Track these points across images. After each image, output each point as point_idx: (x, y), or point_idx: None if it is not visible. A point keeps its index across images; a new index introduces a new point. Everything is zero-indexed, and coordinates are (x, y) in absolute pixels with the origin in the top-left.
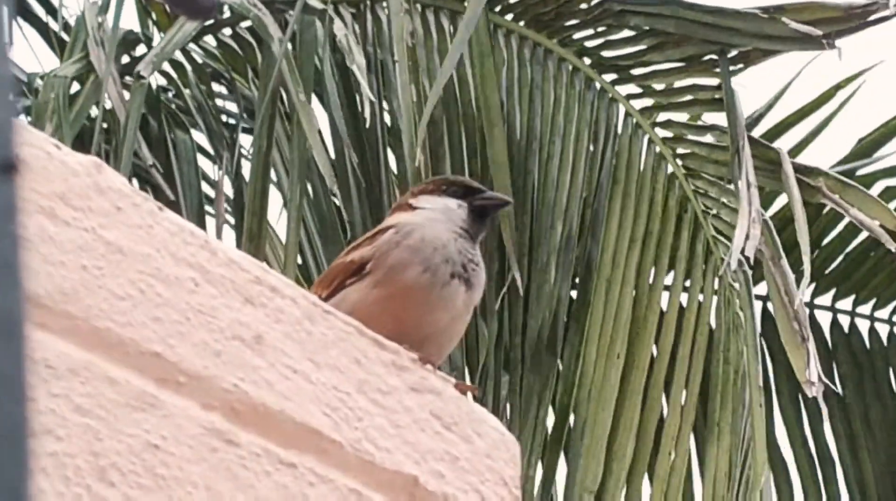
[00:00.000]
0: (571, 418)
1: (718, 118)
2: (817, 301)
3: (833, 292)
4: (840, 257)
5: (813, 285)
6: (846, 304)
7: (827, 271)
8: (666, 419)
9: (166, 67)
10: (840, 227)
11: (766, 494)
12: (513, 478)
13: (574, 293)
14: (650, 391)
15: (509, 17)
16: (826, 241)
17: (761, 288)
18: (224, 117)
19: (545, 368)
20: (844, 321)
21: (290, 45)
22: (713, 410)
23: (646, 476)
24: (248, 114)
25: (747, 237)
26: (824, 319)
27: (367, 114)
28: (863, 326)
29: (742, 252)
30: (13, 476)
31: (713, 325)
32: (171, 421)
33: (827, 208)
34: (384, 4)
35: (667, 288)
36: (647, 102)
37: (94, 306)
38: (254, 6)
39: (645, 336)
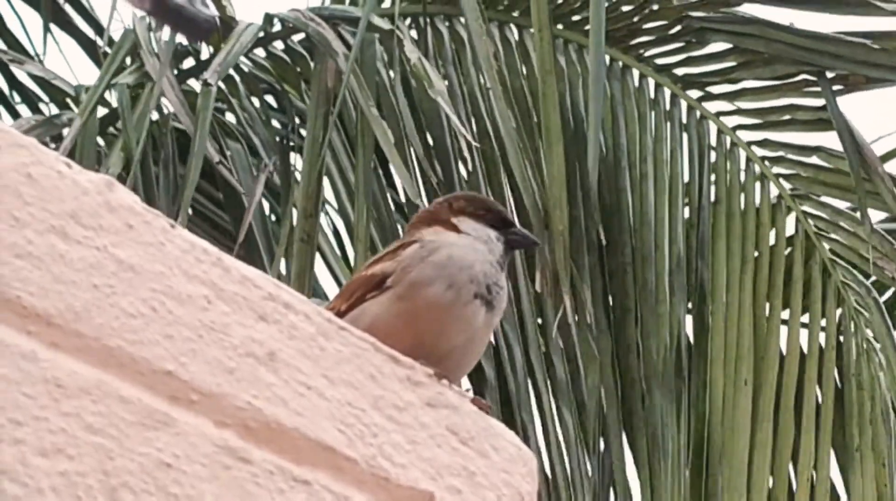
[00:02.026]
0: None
1: (821, 139)
2: None
3: None
4: None
5: None
6: None
7: None
8: (801, 447)
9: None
10: None
11: None
12: (530, 494)
13: (690, 316)
14: (781, 416)
15: (578, 31)
16: None
17: None
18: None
19: (674, 393)
20: None
21: (349, 54)
22: (851, 435)
23: None
24: (300, 124)
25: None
26: None
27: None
28: None
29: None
30: None
31: (840, 346)
32: (183, 439)
33: None
34: (442, 17)
35: (785, 308)
36: (740, 120)
37: (105, 325)
38: (311, 20)
39: (769, 361)
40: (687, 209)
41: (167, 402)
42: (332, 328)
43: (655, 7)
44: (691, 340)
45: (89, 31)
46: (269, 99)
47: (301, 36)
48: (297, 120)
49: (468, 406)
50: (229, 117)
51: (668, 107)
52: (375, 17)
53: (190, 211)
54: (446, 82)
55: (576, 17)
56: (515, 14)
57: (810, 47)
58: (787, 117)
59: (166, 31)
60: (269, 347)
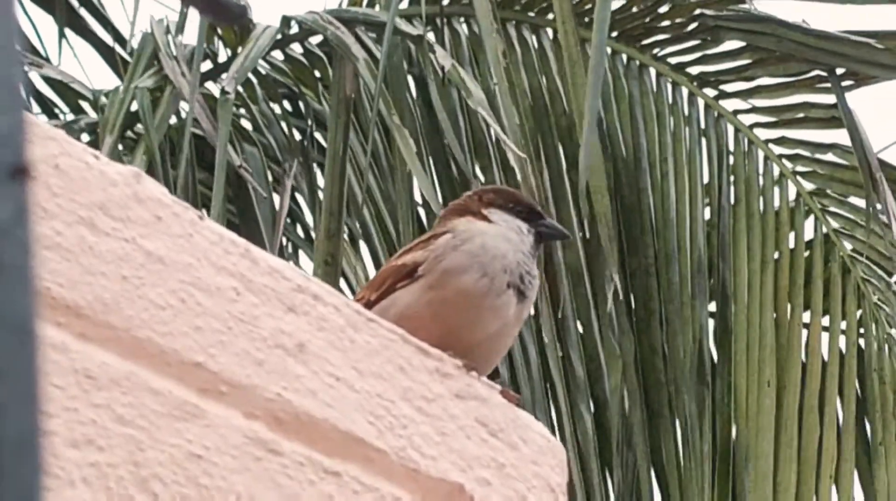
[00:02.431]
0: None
1: (835, 136)
2: None
3: None
4: None
5: None
6: None
7: None
8: (824, 443)
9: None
10: None
11: None
12: (560, 485)
13: (712, 317)
14: (805, 416)
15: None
16: None
17: None
18: (289, 129)
19: (697, 396)
20: None
21: (372, 64)
22: (875, 431)
23: None
24: (318, 127)
25: None
26: None
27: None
28: None
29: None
30: (27, 485)
31: (861, 344)
32: (213, 431)
33: None
34: (461, 18)
35: (806, 308)
36: (755, 118)
37: (134, 317)
38: (329, 24)
39: (793, 361)
40: (707, 209)
41: (197, 394)
42: (361, 319)
43: (669, 6)
44: (714, 342)
45: (105, 35)
46: (286, 103)
47: (319, 38)
48: (314, 124)
49: (497, 398)
50: (245, 121)
51: (685, 106)
52: (401, 22)
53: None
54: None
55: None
56: (531, 14)
57: (819, 46)
58: (801, 115)
59: (186, 35)
60: (298, 338)
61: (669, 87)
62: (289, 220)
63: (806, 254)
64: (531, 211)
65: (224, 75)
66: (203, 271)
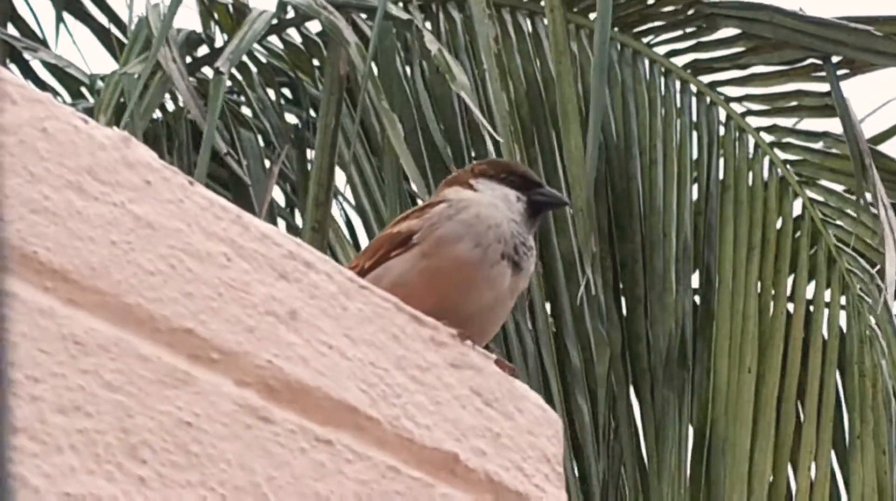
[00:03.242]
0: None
1: (828, 125)
2: None
3: None
4: None
5: None
6: None
7: None
8: (803, 435)
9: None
10: None
11: None
12: (556, 456)
13: (692, 303)
14: (783, 404)
15: (590, 17)
16: None
17: None
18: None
19: (678, 382)
20: None
21: (361, 45)
22: (853, 423)
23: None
24: (314, 111)
25: None
26: None
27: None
28: None
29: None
30: None
31: (844, 335)
32: (203, 398)
33: None
34: (455, 4)
35: (790, 299)
36: (748, 106)
37: (123, 282)
38: (323, 8)
39: (774, 348)
40: (696, 195)
41: (187, 360)
42: (353, 287)
43: None
44: (696, 327)
45: (103, 19)
46: (283, 90)
47: (316, 23)
48: (311, 110)
49: (492, 368)
50: (242, 108)
51: (678, 93)
52: (392, 7)
53: None
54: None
55: (587, 2)
56: (526, 0)
57: (816, 33)
58: (794, 103)
59: (178, 20)
60: (290, 305)
61: (662, 73)
62: (289, 211)
63: (791, 243)
64: (525, 180)
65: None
66: (193, 236)
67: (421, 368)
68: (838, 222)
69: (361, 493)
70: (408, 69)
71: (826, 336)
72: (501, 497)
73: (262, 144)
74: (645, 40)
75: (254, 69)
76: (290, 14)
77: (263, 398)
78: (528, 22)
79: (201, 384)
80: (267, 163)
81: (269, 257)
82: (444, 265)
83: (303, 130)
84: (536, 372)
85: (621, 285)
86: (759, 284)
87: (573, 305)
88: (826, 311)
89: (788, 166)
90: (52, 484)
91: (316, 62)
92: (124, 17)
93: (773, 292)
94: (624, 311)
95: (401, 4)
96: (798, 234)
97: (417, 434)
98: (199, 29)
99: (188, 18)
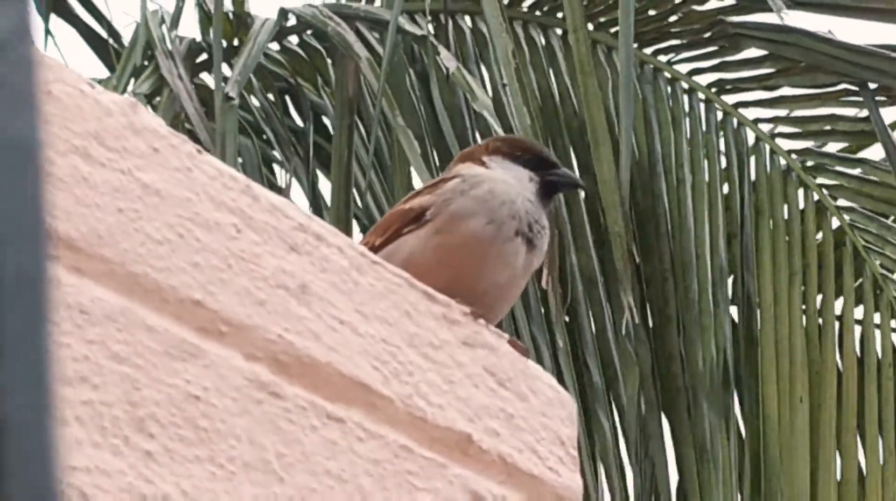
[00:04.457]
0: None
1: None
2: None
3: None
4: None
5: None
6: None
7: None
8: (866, 468)
9: (226, 71)
10: None
11: None
12: (570, 438)
13: (732, 326)
14: (843, 436)
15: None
16: None
17: None
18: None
19: (721, 405)
20: None
21: (372, 60)
22: None
23: None
24: (315, 118)
25: None
26: None
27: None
28: None
29: None
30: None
31: None
32: (212, 372)
33: None
34: (463, 14)
35: (839, 323)
36: (778, 127)
37: (130, 251)
38: (329, 19)
39: (826, 377)
40: (724, 214)
41: (195, 333)
42: (365, 261)
43: (685, 11)
44: (739, 352)
45: (92, 22)
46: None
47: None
48: (312, 116)
49: (505, 347)
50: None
51: (702, 112)
52: (406, 23)
53: None
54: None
55: (604, 19)
56: (539, 14)
57: (851, 60)
58: (828, 127)
59: (181, 29)
60: (300, 279)
61: (685, 91)
62: None
63: (834, 268)
64: (541, 159)
65: (224, 69)
66: (202, 205)
67: (433, 346)
68: (881, 250)
69: (374, 472)
70: (413, 78)
71: (881, 363)
72: (515, 480)
73: (259, 153)
74: (664, 58)
75: (252, 76)
76: (292, 21)
77: (273, 372)
78: (541, 35)
79: (210, 358)
80: (265, 170)
81: (280, 229)
82: (458, 242)
83: (307, 140)
84: None
85: (647, 303)
86: (803, 309)
87: (595, 321)
88: (879, 338)
89: (825, 191)
90: None
91: (316, 66)
92: (114, 19)
93: (819, 319)
94: (651, 328)
95: (405, 14)
96: (840, 259)
97: (430, 413)
98: (196, 32)
99: (185, 24)
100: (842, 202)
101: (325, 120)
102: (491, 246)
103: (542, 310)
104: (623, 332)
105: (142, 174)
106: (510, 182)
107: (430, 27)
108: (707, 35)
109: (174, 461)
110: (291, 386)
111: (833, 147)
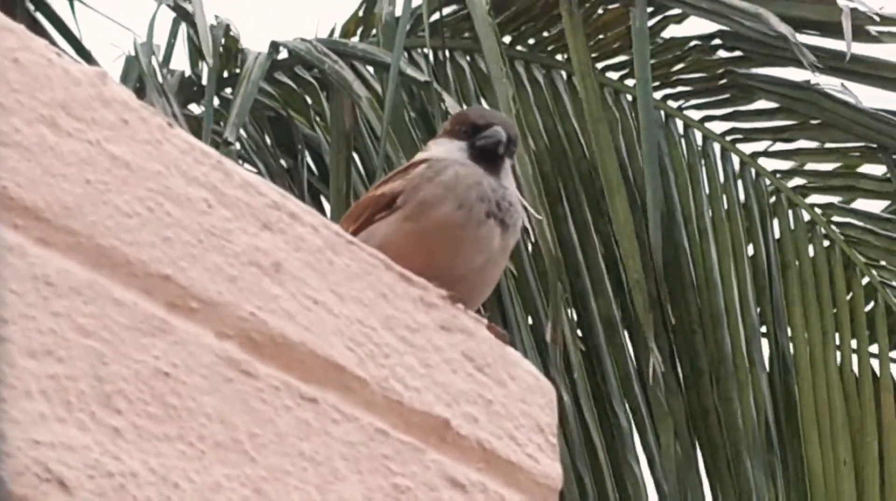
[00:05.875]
0: None
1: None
2: None
3: None
4: None
5: None
6: None
7: None
8: None
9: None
10: None
11: None
12: (549, 425)
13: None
14: (888, 498)
15: (613, 76)
16: None
17: None
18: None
19: (765, 465)
20: None
21: (372, 100)
22: None
23: None
24: (309, 150)
25: None
26: None
27: None
28: None
29: None
30: None
31: None
32: (182, 348)
33: None
34: (462, 52)
35: (874, 383)
36: (798, 180)
37: (98, 223)
38: (326, 56)
39: (869, 439)
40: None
41: (165, 308)
42: (340, 241)
43: (695, 58)
44: (779, 411)
45: (69, 48)
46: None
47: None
48: (304, 149)
49: (484, 332)
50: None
51: (718, 160)
52: (407, 67)
53: None
54: None
55: (609, 62)
56: (542, 54)
57: (869, 125)
58: (850, 183)
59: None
60: (274, 257)
61: (700, 140)
62: None
63: (867, 326)
64: (473, 126)
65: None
66: (172, 179)
67: (410, 329)
68: None
69: (348, 455)
70: (413, 115)
71: None
72: (493, 467)
73: None
74: (674, 104)
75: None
76: (283, 54)
77: (246, 351)
78: (544, 76)
79: (179, 334)
80: None
81: (252, 206)
82: (429, 228)
83: (300, 173)
84: (579, 435)
85: (676, 354)
86: (839, 369)
87: (617, 368)
88: None
89: (853, 248)
90: (21, 431)
91: (308, 98)
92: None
93: (857, 377)
94: (681, 379)
95: (404, 53)
96: (874, 319)
97: (406, 397)
98: (185, 64)
99: (175, 57)
100: (870, 259)
101: (319, 151)
102: (463, 230)
103: (562, 355)
104: (650, 381)
105: (111, 146)
106: (466, 162)
107: (430, 69)
108: (717, 84)
109: (142, 438)
110: (264, 365)
111: (858, 203)
